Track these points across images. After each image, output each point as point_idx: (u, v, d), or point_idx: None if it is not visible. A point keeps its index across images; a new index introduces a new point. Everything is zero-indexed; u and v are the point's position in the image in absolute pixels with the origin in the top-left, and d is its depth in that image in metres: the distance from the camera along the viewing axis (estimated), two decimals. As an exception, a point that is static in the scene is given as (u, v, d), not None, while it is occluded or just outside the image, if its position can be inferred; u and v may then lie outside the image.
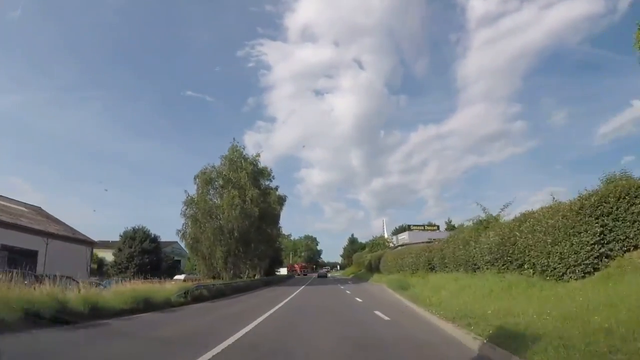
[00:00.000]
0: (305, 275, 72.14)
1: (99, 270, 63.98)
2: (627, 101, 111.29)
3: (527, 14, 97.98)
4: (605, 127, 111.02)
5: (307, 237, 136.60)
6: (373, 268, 45.48)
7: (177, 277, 48.79)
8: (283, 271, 79.24)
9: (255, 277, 46.04)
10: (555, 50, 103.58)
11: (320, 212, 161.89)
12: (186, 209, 32.99)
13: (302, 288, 27.98)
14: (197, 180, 34.10)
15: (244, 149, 35.91)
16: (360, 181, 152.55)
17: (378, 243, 62.11)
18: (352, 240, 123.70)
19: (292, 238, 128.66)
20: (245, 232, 33.42)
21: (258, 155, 37.03)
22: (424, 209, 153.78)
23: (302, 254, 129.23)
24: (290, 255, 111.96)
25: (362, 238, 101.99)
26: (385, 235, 76.38)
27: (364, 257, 57.53)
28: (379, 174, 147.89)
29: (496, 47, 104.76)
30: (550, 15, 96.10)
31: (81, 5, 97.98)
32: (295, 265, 69.04)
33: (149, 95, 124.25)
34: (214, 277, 33.31)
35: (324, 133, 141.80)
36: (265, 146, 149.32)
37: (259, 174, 37.17)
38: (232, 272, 34.23)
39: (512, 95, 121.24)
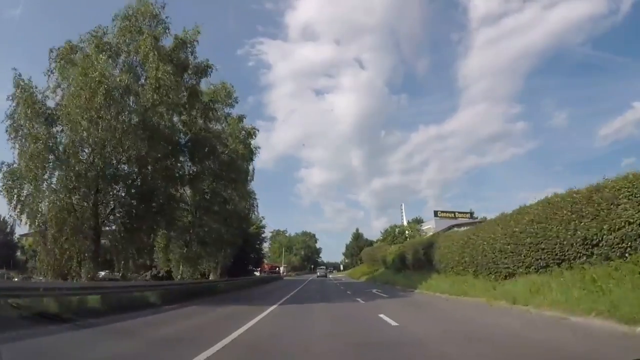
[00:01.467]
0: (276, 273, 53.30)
1: (29, 262, 46.10)
2: (629, 103, 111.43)
3: (529, 14, 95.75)
4: (606, 128, 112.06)
5: (305, 234, 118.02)
6: (410, 265, 26.28)
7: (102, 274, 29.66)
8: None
9: (211, 279, 27.01)
10: (557, 51, 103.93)
11: (320, 212, 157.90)
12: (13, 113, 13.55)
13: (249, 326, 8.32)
14: (50, 55, 14.68)
15: (163, 7, 16.19)
16: (360, 181, 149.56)
17: (403, 231, 43.15)
18: (357, 236, 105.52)
19: (288, 234, 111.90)
20: (141, 171, 14.26)
21: (197, 31, 17.28)
22: (424, 210, 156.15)
23: (302, 252, 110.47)
24: (283, 253, 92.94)
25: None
26: (405, 223, 58.41)
27: (383, 252, 38.34)
28: (380, 173, 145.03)
29: (498, 47, 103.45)
30: (552, 16, 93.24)
31: (80, 4, 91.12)
32: (265, 266, 52.86)
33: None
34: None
35: (324, 132, 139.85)
36: (265, 145, 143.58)
37: (197, 70, 17.78)
38: (119, 267, 14.98)
39: (514, 96, 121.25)
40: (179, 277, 22.54)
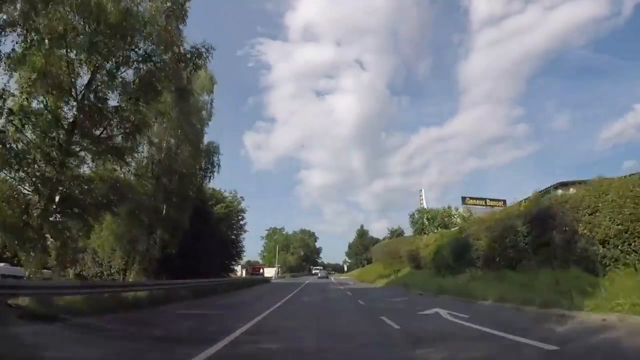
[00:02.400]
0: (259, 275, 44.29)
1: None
2: (630, 105, 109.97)
3: (530, 15, 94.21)
4: (607, 131, 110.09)
5: (304, 232, 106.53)
6: (479, 259, 14.70)
7: None
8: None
9: (130, 280, 15.30)
10: (558, 53, 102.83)
11: (320, 214, 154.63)
12: None
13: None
14: None
15: None
16: (360, 183, 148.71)
17: (433, 217, 31.65)
18: (362, 233, 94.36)
19: (285, 232, 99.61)
20: None
21: None
22: None
23: (300, 251, 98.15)
24: (277, 253, 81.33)
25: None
26: (425, 206, 48.26)
27: (411, 245, 26.75)
28: (380, 175, 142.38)
29: (499, 49, 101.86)
30: (554, 18, 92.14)
31: None
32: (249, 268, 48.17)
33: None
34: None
35: (325, 134, 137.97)
36: (265, 147, 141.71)
37: None
38: None
39: (515, 98, 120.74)
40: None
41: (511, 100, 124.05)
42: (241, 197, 31.03)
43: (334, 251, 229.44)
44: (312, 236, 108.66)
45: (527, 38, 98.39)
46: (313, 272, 74.53)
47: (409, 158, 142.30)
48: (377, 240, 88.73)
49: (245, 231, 31.70)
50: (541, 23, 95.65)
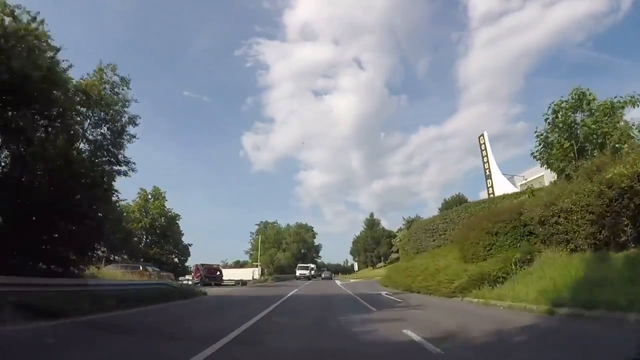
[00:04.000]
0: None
1: None
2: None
3: (529, 12, 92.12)
4: None
5: (300, 226, 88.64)
6: None
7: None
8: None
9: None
10: (558, 50, 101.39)
11: (319, 215, 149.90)
12: None
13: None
14: None
15: None
16: (360, 183, 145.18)
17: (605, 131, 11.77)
18: (372, 223, 75.95)
19: (277, 225, 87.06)
20: None
21: None
22: (424, 212, 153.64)
23: (295, 247, 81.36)
24: (260, 245, 62.37)
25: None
26: (492, 159, 36.82)
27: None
28: (380, 175, 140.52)
29: (498, 46, 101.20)
30: (553, 15, 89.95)
31: (79, 5, 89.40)
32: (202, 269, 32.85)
33: (146, 96, 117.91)
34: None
35: (324, 134, 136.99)
36: (264, 147, 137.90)
37: None
38: None
39: (514, 96, 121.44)
40: None
41: (510, 98, 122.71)
42: (124, 79, 11.54)
43: (334, 252, 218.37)
44: (309, 231, 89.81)
45: (526, 35, 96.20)
46: (298, 274, 53.26)
47: (408, 157, 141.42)
48: (390, 233, 69.73)
49: (130, 164, 12.25)
50: (540, 20, 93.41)
